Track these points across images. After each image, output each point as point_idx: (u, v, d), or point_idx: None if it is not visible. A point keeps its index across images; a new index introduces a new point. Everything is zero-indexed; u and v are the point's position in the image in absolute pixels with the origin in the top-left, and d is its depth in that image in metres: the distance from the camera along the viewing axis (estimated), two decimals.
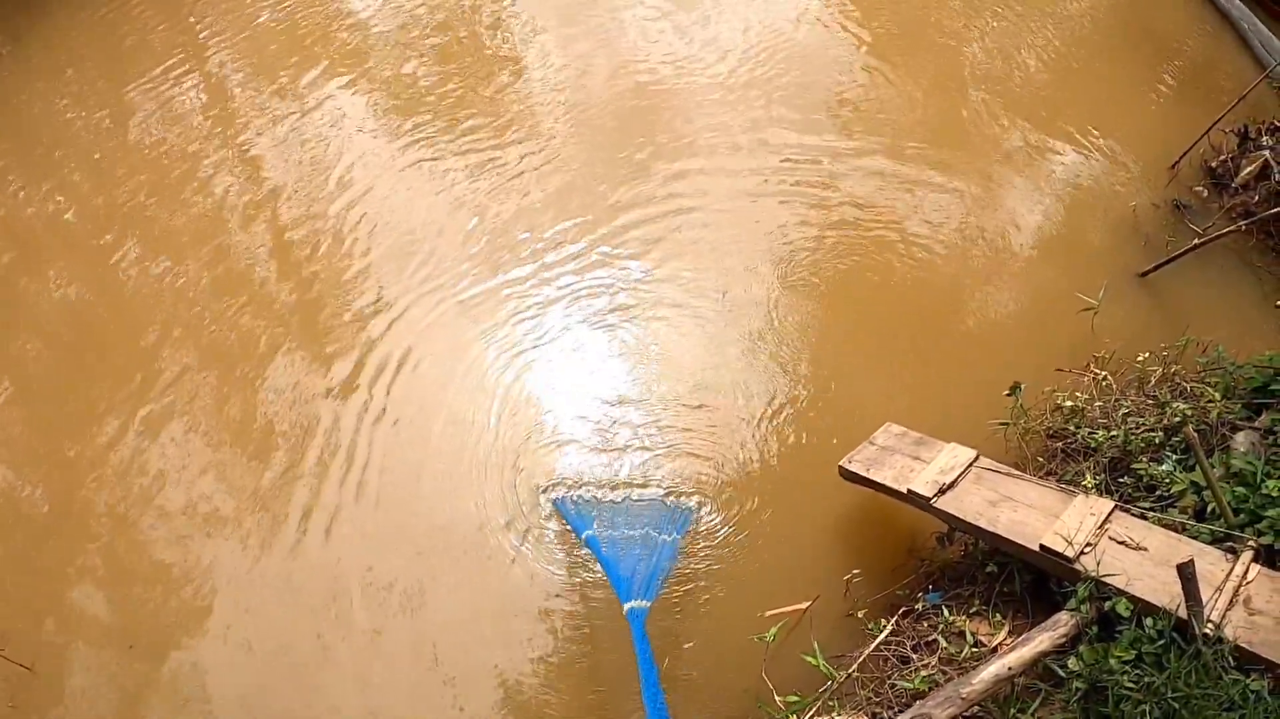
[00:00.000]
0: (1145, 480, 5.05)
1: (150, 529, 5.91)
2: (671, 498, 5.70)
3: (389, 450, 6.14)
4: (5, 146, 8.33)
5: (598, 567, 5.31)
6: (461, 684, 5.23)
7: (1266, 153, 6.86)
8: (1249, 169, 6.92)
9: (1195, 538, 4.61)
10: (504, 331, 6.69)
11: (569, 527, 5.56)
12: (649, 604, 4.79)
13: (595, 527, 5.36)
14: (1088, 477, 5.08)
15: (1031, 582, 4.83)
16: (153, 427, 6.35)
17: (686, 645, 5.13)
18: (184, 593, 5.64)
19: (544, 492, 5.84)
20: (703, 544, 5.51)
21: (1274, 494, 4.62)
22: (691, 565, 5.40)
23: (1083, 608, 4.39)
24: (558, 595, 5.46)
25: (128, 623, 5.55)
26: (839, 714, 4.37)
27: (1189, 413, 5.20)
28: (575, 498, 5.70)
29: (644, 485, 5.82)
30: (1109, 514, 4.71)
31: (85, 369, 6.78)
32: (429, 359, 6.57)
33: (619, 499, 5.70)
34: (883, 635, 4.81)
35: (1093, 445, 5.33)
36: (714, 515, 5.65)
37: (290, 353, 6.70)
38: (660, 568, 5.03)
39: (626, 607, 4.78)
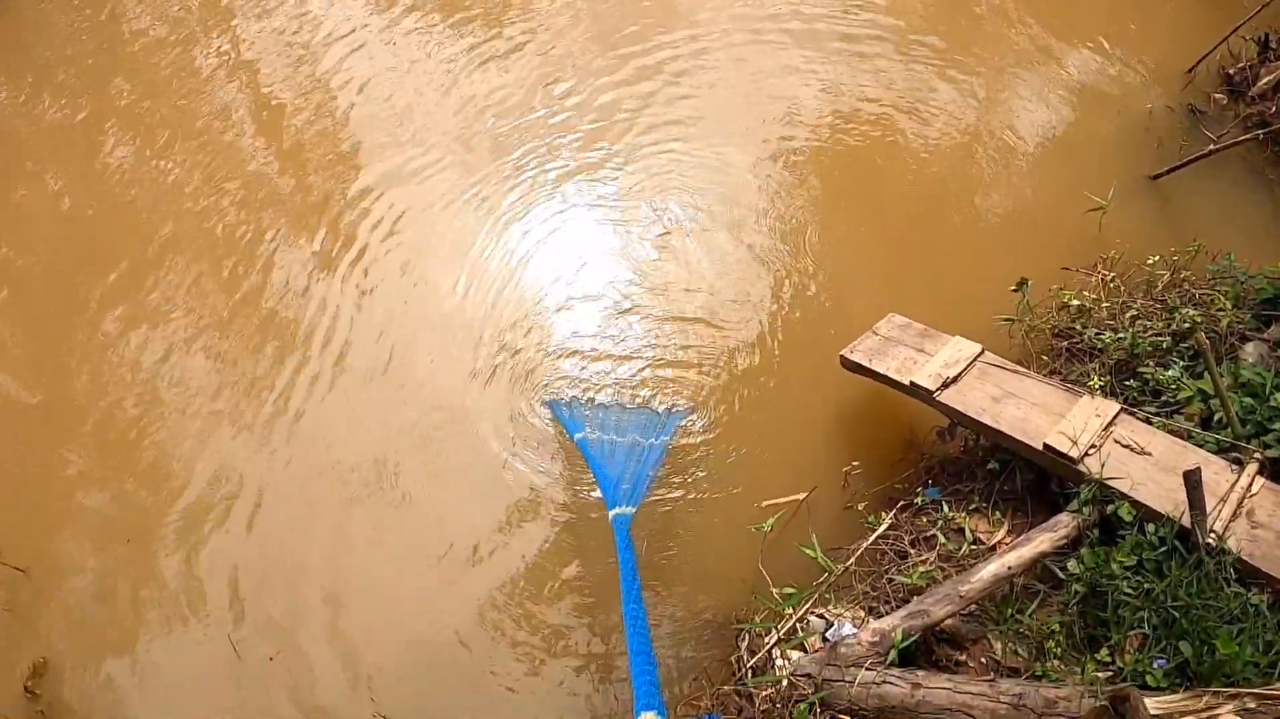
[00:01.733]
0: (1151, 385, 4.90)
1: (143, 420, 5.67)
2: (663, 402, 5.42)
3: (379, 325, 5.97)
4: None
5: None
6: (450, 570, 5.03)
7: None
8: (1267, 79, 6.65)
9: (1201, 446, 4.48)
10: (498, 201, 6.53)
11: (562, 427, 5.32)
12: (634, 510, 4.56)
13: (588, 429, 5.10)
14: (1094, 377, 4.94)
15: (1032, 480, 4.69)
16: (141, 314, 6.15)
17: (683, 535, 4.92)
18: (179, 483, 5.39)
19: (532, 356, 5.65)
20: (700, 434, 5.27)
21: None
22: (689, 455, 5.17)
23: (1085, 510, 4.26)
24: (550, 495, 5.24)
25: (123, 518, 5.32)
26: (835, 607, 4.23)
27: (1199, 319, 5.05)
28: (569, 398, 5.44)
29: (631, 359, 5.59)
30: (1115, 416, 4.55)
31: (73, 257, 6.48)
32: (418, 231, 6.45)
33: (610, 402, 5.43)
34: (881, 529, 4.65)
35: (1099, 346, 5.17)
36: (710, 405, 5.38)
37: (280, 230, 6.54)
38: (646, 474, 4.79)
39: (612, 513, 4.55)
